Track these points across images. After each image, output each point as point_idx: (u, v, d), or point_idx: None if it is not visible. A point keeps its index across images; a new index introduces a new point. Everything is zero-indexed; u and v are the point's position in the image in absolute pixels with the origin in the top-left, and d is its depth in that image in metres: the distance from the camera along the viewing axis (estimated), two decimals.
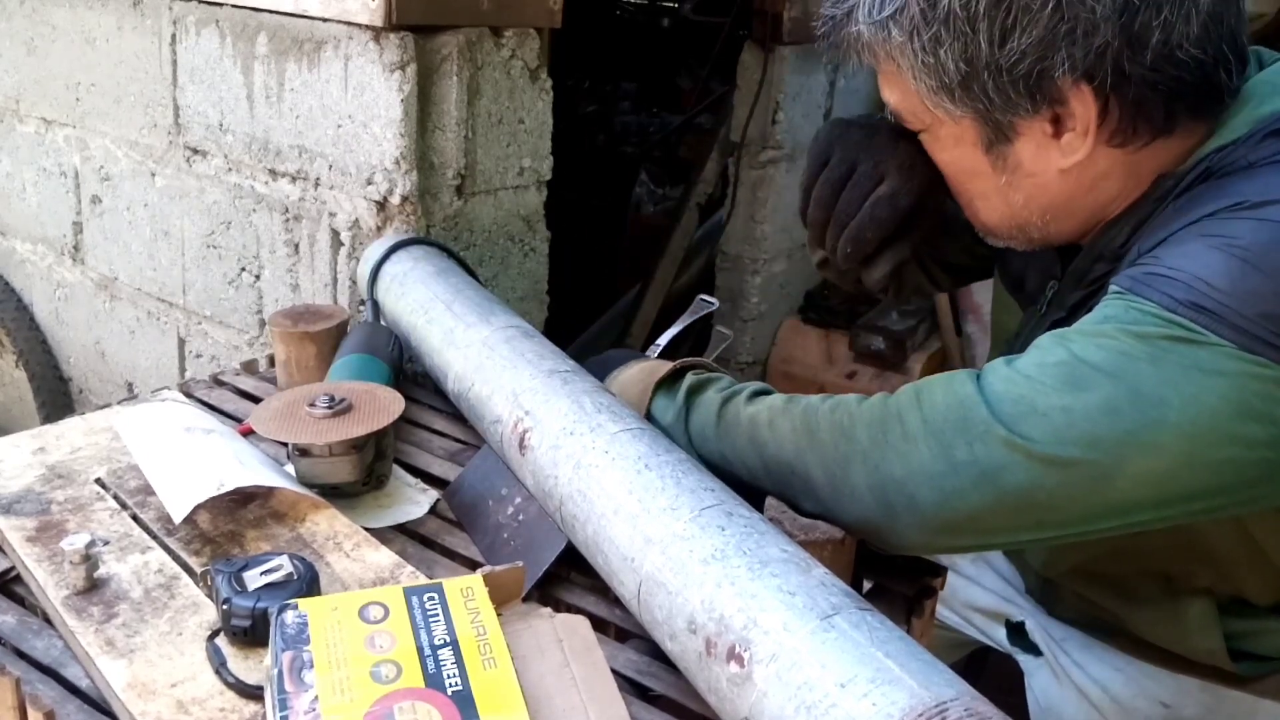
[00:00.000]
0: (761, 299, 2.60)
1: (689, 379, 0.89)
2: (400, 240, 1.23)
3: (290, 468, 0.92)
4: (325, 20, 1.32)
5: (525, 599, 0.74)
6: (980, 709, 0.55)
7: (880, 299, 2.46)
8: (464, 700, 0.59)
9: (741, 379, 0.90)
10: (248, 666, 0.69)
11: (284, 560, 0.74)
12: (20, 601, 0.78)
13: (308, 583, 0.73)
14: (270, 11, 1.39)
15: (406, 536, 0.89)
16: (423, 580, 0.78)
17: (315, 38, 1.35)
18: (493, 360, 0.95)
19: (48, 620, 0.76)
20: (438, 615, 0.65)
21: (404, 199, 1.32)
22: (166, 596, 0.76)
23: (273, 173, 1.47)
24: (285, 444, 0.93)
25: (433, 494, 0.96)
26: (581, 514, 0.78)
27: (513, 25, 1.38)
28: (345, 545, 0.82)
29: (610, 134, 4.06)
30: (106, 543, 0.81)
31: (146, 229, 1.71)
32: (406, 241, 1.23)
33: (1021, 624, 1.15)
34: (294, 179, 1.45)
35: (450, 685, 0.60)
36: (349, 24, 1.29)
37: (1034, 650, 1.13)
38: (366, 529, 0.85)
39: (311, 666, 0.61)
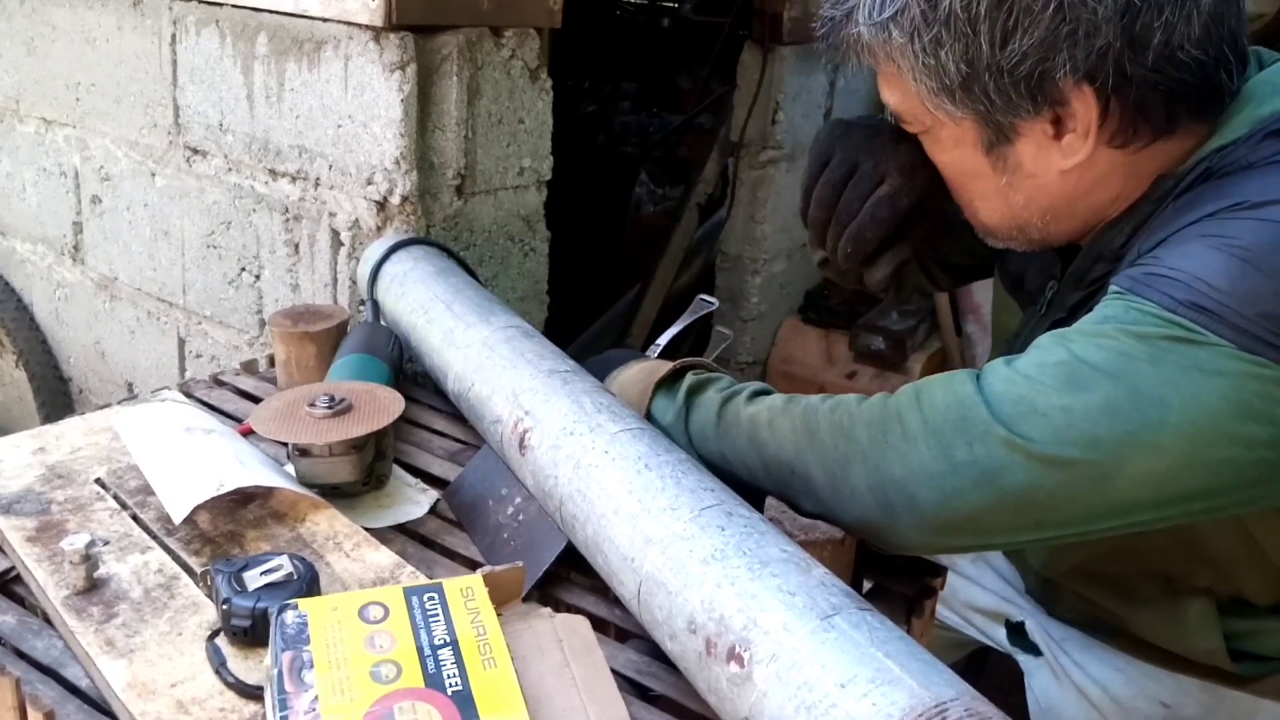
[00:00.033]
0: (761, 299, 2.61)
1: (689, 379, 0.89)
2: (400, 240, 1.23)
3: (290, 468, 0.92)
4: (325, 20, 1.32)
5: (525, 599, 0.74)
6: (980, 709, 0.55)
7: (881, 299, 2.46)
8: (464, 700, 0.59)
9: (741, 379, 0.90)
10: (248, 666, 0.69)
11: (284, 560, 0.74)
12: (20, 601, 0.78)
13: (308, 583, 0.73)
14: (270, 11, 1.39)
15: (406, 536, 0.89)
16: (423, 580, 0.78)
17: (315, 38, 1.35)
18: (493, 360, 0.95)
19: (48, 620, 0.76)
20: (438, 615, 0.65)
21: (404, 199, 1.32)
22: (166, 596, 0.76)
23: (273, 173, 1.47)
24: (285, 444, 0.93)
25: (433, 494, 0.96)
26: (581, 514, 0.78)
27: (513, 25, 1.38)
28: (345, 545, 0.82)
29: (610, 134, 4.06)
30: (106, 543, 0.81)
31: (146, 229, 1.71)
32: (406, 241, 1.23)
33: (1021, 624, 1.15)
34: (294, 179, 1.45)
35: (450, 685, 0.60)
36: (349, 24, 1.29)
37: (1034, 650, 1.13)
38: (366, 529, 0.85)
39: (311, 666, 0.61)
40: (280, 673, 0.60)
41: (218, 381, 1.18)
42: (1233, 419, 0.67)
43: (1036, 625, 1.13)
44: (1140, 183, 0.80)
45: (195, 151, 1.58)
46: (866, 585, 0.85)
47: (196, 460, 0.86)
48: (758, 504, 0.77)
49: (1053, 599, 1.09)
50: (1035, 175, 0.81)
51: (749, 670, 0.60)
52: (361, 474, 0.92)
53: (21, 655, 0.72)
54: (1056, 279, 0.91)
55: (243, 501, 0.87)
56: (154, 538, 0.83)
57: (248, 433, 1.00)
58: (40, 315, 2.01)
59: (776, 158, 2.48)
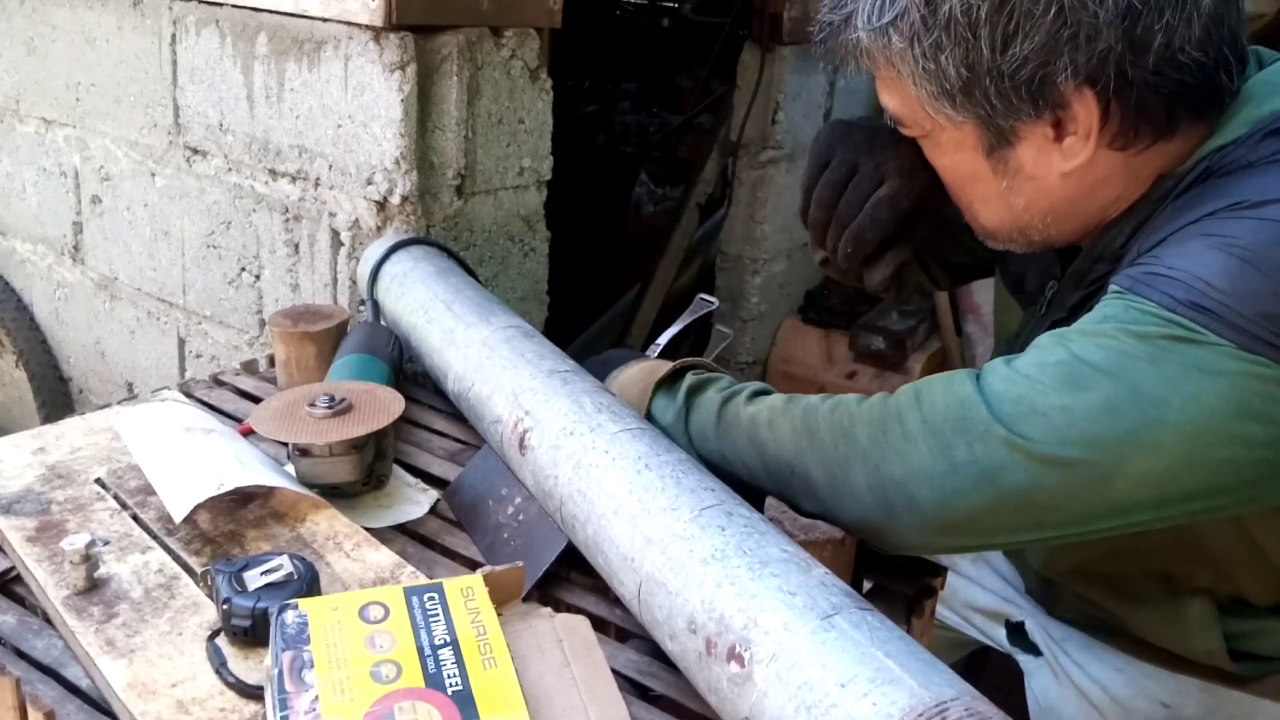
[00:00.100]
0: (761, 299, 2.61)
1: (689, 379, 0.89)
2: (400, 240, 1.23)
3: (290, 468, 0.92)
4: (325, 20, 1.32)
5: (525, 599, 0.74)
6: (980, 709, 0.55)
7: (881, 299, 2.46)
8: (464, 700, 0.59)
9: (741, 379, 0.90)
10: (248, 666, 0.69)
11: (284, 560, 0.74)
12: (20, 601, 0.78)
13: (308, 583, 0.73)
14: (270, 11, 1.39)
15: (406, 536, 0.89)
16: (423, 580, 0.78)
17: (315, 38, 1.35)
18: (493, 360, 0.95)
19: (48, 620, 0.76)
20: (438, 615, 0.65)
21: (404, 199, 1.32)
22: (166, 596, 0.76)
23: (273, 173, 1.47)
24: (285, 444, 0.93)
25: (433, 494, 0.96)
26: (581, 514, 0.78)
27: (513, 25, 1.38)
28: (345, 545, 0.82)
29: (610, 134, 4.06)
30: (106, 543, 0.81)
31: (146, 229, 1.71)
32: (406, 241, 1.23)
33: (1021, 624, 1.15)
34: (294, 179, 1.45)
35: (450, 685, 0.60)
36: (349, 24, 1.29)
37: (1034, 650, 1.13)
38: (366, 529, 0.85)
39: (312, 666, 0.61)
40: (280, 672, 0.60)
41: (218, 381, 1.18)
42: (1233, 419, 0.67)
43: (1036, 625, 1.13)
44: (1140, 183, 0.80)
45: (195, 151, 1.58)
46: (866, 585, 0.85)
47: (196, 460, 0.86)
48: (758, 504, 0.77)
49: (1053, 599, 1.09)
50: (1036, 178, 0.81)
51: (749, 670, 0.60)
52: (361, 474, 0.92)
53: (22, 655, 0.72)
54: (1056, 279, 0.91)
55: (243, 501, 0.87)
56: (154, 538, 0.83)
57: (248, 433, 1.00)
58: (40, 315, 2.01)
59: (776, 158, 2.48)
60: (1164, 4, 0.72)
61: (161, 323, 1.76)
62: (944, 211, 0.95)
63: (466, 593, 0.67)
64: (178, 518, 0.80)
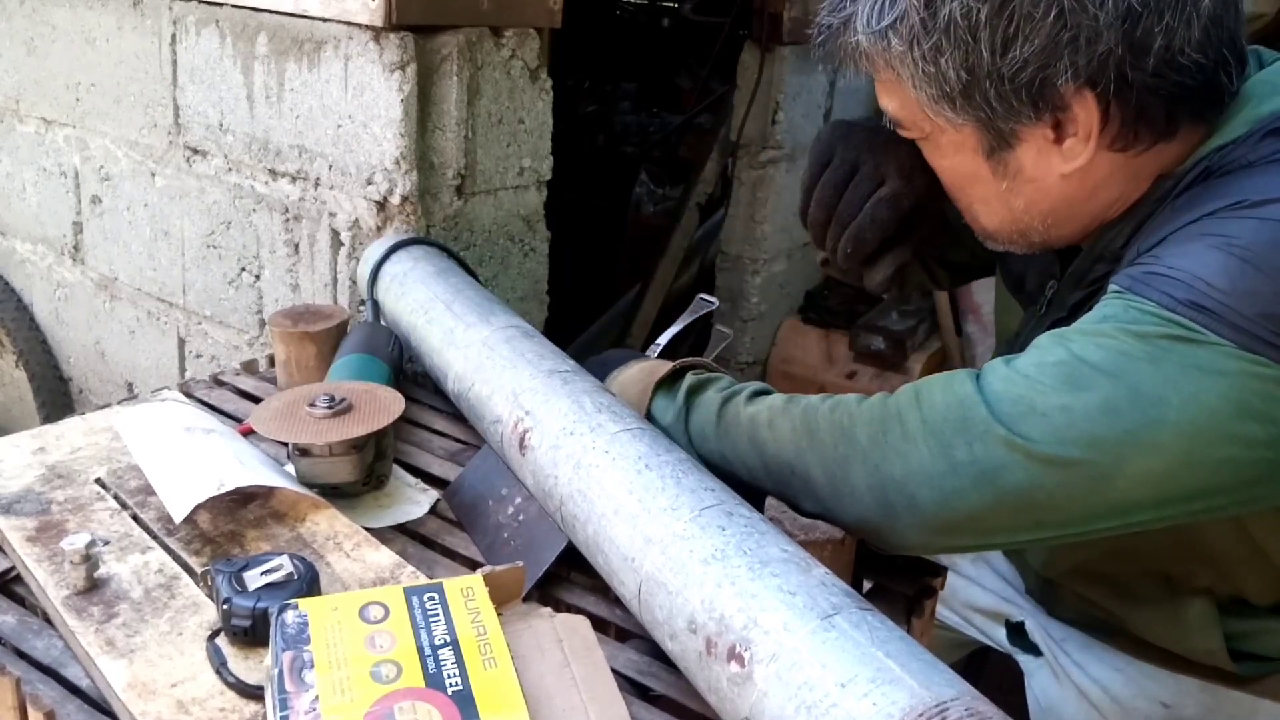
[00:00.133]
0: (761, 299, 2.61)
1: (689, 379, 0.89)
2: (400, 240, 1.23)
3: (290, 468, 0.92)
4: (325, 20, 1.32)
5: (525, 599, 0.74)
6: (980, 709, 0.55)
7: (881, 299, 2.46)
8: (464, 700, 0.59)
9: (741, 379, 0.90)
10: (248, 666, 0.69)
11: (284, 560, 0.74)
12: (20, 601, 0.78)
13: (308, 583, 0.73)
14: (270, 11, 1.39)
15: (406, 536, 0.89)
16: (423, 580, 0.78)
17: (315, 38, 1.35)
18: (493, 360, 0.95)
19: (48, 620, 0.76)
20: (438, 615, 0.65)
21: (404, 199, 1.32)
22: (167, 596, 0.76)
23: (273, 173, 1.47)
24: (285, 444, 0.93)
25: (433, 494, 0.96)
26: (582, 514, 0.78)
27: (513, 25, 1.38)
28: (345, 545, 0.82)
29: (610, 134, 4.06)
30: (106, 543, 0.81)
31: (146, 229, 1.71)
32: (406, 241, 1.23)
33: (1021, 624, 1.15)
34: (294, 179, 1.45)
35: (450, 685, 0.60)
36: (349, 24, 1.29)
37: (1034, 650, 1.13)
38: (366, 529, 0.85)
39: (312, 666, 0.61)
40: (281, 672, 0.60)
41: (218, 381, 1.18)
42: (1232, 418, 0.67)
43: (1036, 625, 1.13)
44: (1140, 184, 0.80)
45: (195, 151, 1.58)
46: (866, 585, 0.86)
47: (197, 460, 0.86)
48: (758, 504, 0.77)
49: (1053, 599, 1.09)
50: (1036, 179, 0.81)
51: (749, 670, 0.60)
52: (361, 474, 0.92)
53: (22, 655, 0.72)
54: (1056, 279, 0.91)
55: (243, 501, 0.87)
56: (154, 538, 0.83)
57: (248, 433, 1.00)
58: (40, 315, 2.01)
59: (776, 158, 2.48)
60: (1164, 6, 0.72)
61: (161, 323, 1.76)
62: (944, 211, 0.95)
63: (466, 593, 0.67)
64: (178, 518, 0.80)
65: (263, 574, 0.72)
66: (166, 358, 1.77)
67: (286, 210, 1.47)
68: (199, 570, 0.79)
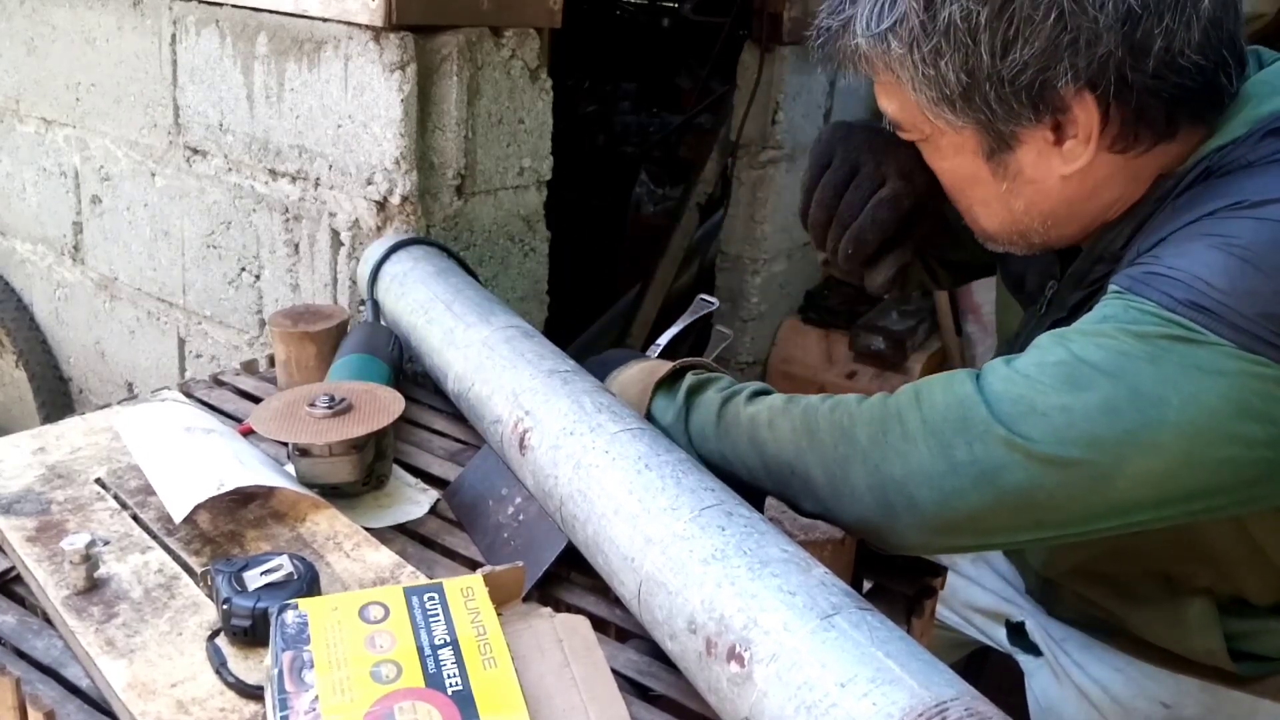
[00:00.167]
0: (761, 299, 2.61)
1: (689, 379, 0.89)
2: (400, 240, 1.23)
3: (290, 468, 0.92)
4: (325, 20, 1.32)
5: (525, 599, 0.74)
6: (980, 709, 0.55)
7: (882, 299, 2.46)
8: (464, 700, 0.59)
9: (741, 379, 0.90)
10: (248, 666, 0.69)
11: (284, 560, 0.74)
12: (20, 601, 0.78)
13: (308, 583, 0.73)
14: (270, 11, 1.39)
15: (406, 536, 0.89)
16: (423, 580, 0.78)
17: (315, 38, 1.35)
18: (493, 360, 0.95)
19: (48, 620, 0.76)
20: (438, 615, 0.65)
21: (404, 199, 1.32)
22: (166, 596, 0.76)
23: (273, 173, 1.47)
24: (285, 444, 0.93)
25: (433, 494, 0.96)
26: (581, 514, 0.78)
27: (513, 25, 1.38)
28: (345, 545, 0.82)
29: (610, 134, 4.06)
30: (106, 543, 0.81)
31: (146, 229, 1.71)
32: (406, 241, 1.23)
33: (1021, 624, 1.15)
34: (294, 179, 1.45)
35: (450, 685, 0.60)
36: (349, 24, 1.29)
37: (1034, 650, 1.13)
38: (366, 529, 0.85)
39: (312, 666, 0.61)
40: (280, 672, 0.60)
41: (218, 381, 1.18)
42: (1232, 418, 0.67)
43: (1036, 625, 1.13)
44: (1140, 185, 0.80)
45: (195, 151, 1.58)
46: (866, 585, 0.85)
47: (196, 460, 0.86)
48: (758, 504, 0.77)
49: (1053, 599, 1.09)
50: (1036, 181, 0.81)
51: (749, 670, 0.60)
52: (361, 474, 0.92)
53: (22, 655, 0.72)
54: (1056, 279, 0.91)
55: (243, 501, 0.87)
56: (154, 538, 0.83)
57: (248, 433, 1.00)
58: (40, 315, 2.01)
59: (776, 158, 2.48)
60: (1163, 8, 0.72)
61: (161, 323, 1.76)
62: (945, 212, 0.95)
63: (466, 593, 0.67)
64: (178, 518, 0.80)
65: (263, 574, 0.72)
66: (166, 358, 1.77)
67: (286, 210, 1.47)
68: (199, 570, 0.79)
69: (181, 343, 1.73)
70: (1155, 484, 0.69)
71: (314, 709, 0.58)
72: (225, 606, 0.71)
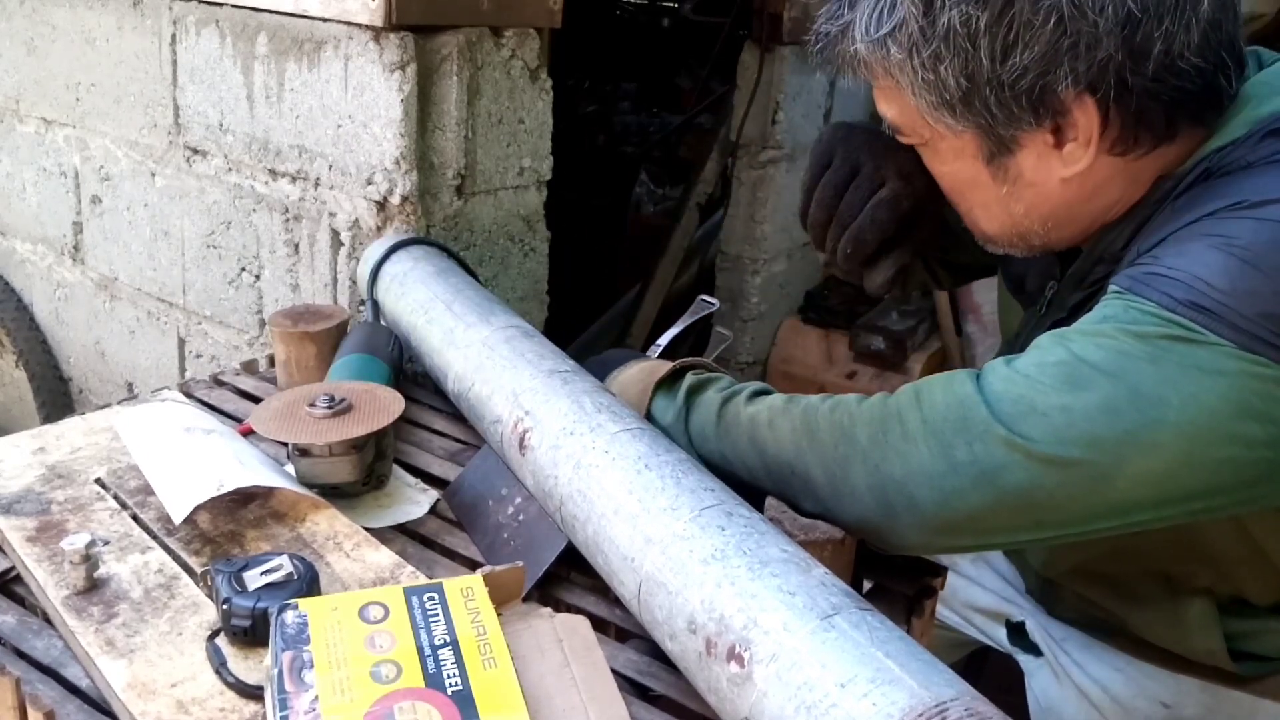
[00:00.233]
0: (761, 299, 2.61)
1: (689, 379, 0.89)
2: (400, 240, 1.23)
3: (290, 468, 0.92)
4: (325, 20, 1.32)
5: (525, 599, 0.74)
6: (980, 709, 0.55)
7: (883, 299, 2.46)
8: (464, 700, 0.59)
9: (741, 379, 0.90)
10: (248, 666, 0.69)
11: (284, 560, 0.74)
12: (20, 601, 0.78)
13: (308, 583, 0.73)
14: (270, 11, 1.39)
15: (406, 536, 0.89)
16: (423, 580, 0.78)
17: (315, 38, 1.35)
18: (493, 360, 0.95)
19: (48, 620, 0.76)
20: (438, 615, 0.65)
21: (404, 199, 1.32)
22: (166, 596, 0.76)
23: (273, 173, 1.47)
24: (285, 444, 0.93)
25: (433, 494, 0.96)
26: (581, 514, 0.78)
27: (513, 25, 1.38)
28: (345, 545, 0.82)
29: (610, 134, 4.07)
30: (106, 543, 0.81)
31: (146, 229, 1.71)
32: (406, 241, 1.23)
33: (1021, 624, 1.15)
34: (294, 179, 1.45)
35: (450, 685, 0.60)
36: (349, 24, 1.29)
37: (1034, 650, 1.13)
38: (366, 529, 0.85)
39: (311, 666, 0.61)
40: (280, 673, 0.60)
41: (218, 381, 1.18)
42: (1232, 418, 0.67)
43: (1037, 625, 1.13)
44: (1140, 186, 0.80)
45: (195, 151, 1.58)
46: (866, 585, 0.86)
47: (196, 460, 0.86)
48: (758, 504, 0.77)
49: (1053, 599, 1.09)
50: (1036, 184, 0.81)
51: (749, 670, 0.60)
52: (361, 474, 0.92)
53: (21, 655, 0.72)
54: (1056, 280, 0.91)
55: (243, 501, 0.87)
56: (154, 538, 0.83)
57: (248, 433, 1.00)
58: (40, 315, 2.01)
59: (776, 158, 2.48)
60: (1163, 11, 0.72)
61: (161, 323, 1.76)
62: (944, 213, 0.95)
63: (466, 593, 0.67)
64: (178, 518, 0.80)
65: (262, 574, 0.72)
66: (166, 358, 1.77)
67: (286, 210, 1.47)
68: (199, 570, 0.79)
69: (181, 343, 1.73)
70: (1155, 484, 0.69)
71: (314, 709, 0.58)
72: (225, 606, 0.71)
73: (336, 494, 0.91)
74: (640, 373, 0.93)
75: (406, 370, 1.16)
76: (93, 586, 0.76)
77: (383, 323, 1.19)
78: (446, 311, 1.06)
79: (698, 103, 3.75)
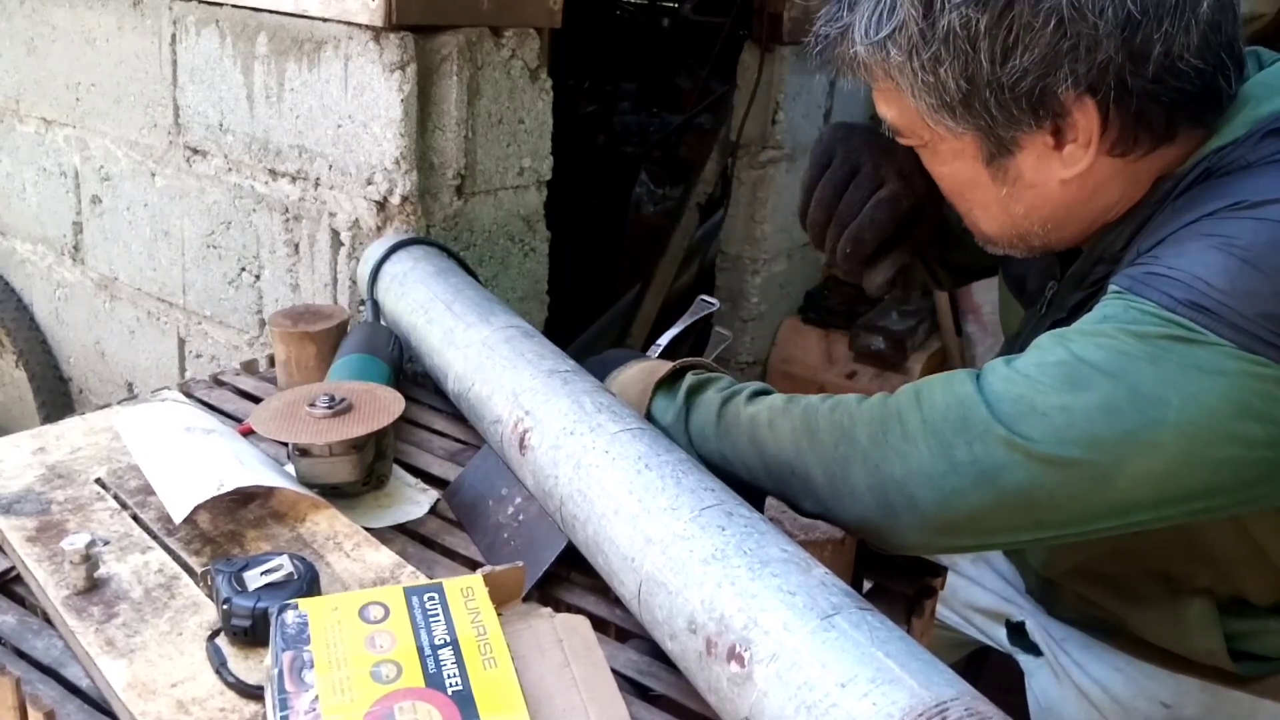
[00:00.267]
0: (761, 299, 2.61)
1: (689, 379, 0.89)
2: (400, 240, 1.23)
3: (290, 468, 0.92)
4: (325, 20, 1.32)
5: (525, 599, 0.74)
6: (980, 709, 0.55)
7: (883, 299, 2.46)
8: (464, 700, 0.59)
9: (741, 379, 0.90)
10: (248, 666, 0.69)
11: (284, 560, 0.74)
12: (20, 601, 0.78)
13: (308, 583, 0.73)
14: (270, 11, 1.39)
15: (406, 536, 0.89)
16: (423, 580, 0.78)
17: (315, 38, 1.35)
18: (493, 360, 0.95)
19: (48, 620, 0.76)
20: (438, 615, 0.65)
21: (404, 199, 1.32)
22: (166, 596, 0.76)
23: (273, 173, 1.47)
24: (285, 444, 0.93)
25: (433, 494, 0.96)
26: (582, 514, 0.78)
27: (513, 25, 1.38)
28: (345, 545, 0.82)
29: (610, 134, 4.07)
30: (106, 543, 0.81)
31: (146, 229, 1.71)
32: (406, 241, 1.23)
33: (1021, 624, 1.15)
34: (294, 179, 1.45)
35: (450, 685, 0.60)
36: (349, 24, 1.29)
37: (1034, 650, 1.13)
38: (366, 529, 0.85)
39: (312, 666, 0.61)
40: (281, 672, 0.60)
41: (218, 381, 1.18)
42: (1232, 418, 0.67)
43: (1037, 625, 1.13)
44: (1140, 187, 0.80)
45: (195, 151, 1.58)
46: (866, 585, 0.86)
47: (196, 460, 0.86)
48: (758, 504, 0.77)
49: (1053, 599, 1.09)
50: (1036, 185, 0.81)
51: (749, 670, 0.60)
52: (361, 474, 0.92)
53: (22, 655, 0.72)
54: (1056, 280, 0.91)
55: (243, 501, 0.87)
56: (154, 538, 0.83)
57: (248, 433, 1.00)
58: (40, 315, 2.01)
59: (776, 158, 2.48)
60: (1162, 13, 0.72)
61: (161, 323, 1.76)
62: (944, 214, 0.95)
63: (466, 593, 0.67)
64: (178, 518, 0.80)
65: (263, 574, 0.72)
66: (166, 358, 1.77)
67: (286, 210, 1.47)
68: (199, 570, 0.79)
69: (181, 343, 1.73)
70: (1155, 484, 0.69)
71: (314, 709, 0.58)
72: (225, 606, 0.71)
73: (336, 494, 0.91)
74: (640, 373, 0.93)
75: (406, 370, 1.16)
76: (93, 586, 0.76)
77: (383, 323, 1.19)
78: (446, 311, 1.06)
79: (698, 103, 3.75)
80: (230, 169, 1.53)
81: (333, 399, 0.92)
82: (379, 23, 1.25)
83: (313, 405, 0.91)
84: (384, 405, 0.94)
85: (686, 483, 0.73)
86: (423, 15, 1.27)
